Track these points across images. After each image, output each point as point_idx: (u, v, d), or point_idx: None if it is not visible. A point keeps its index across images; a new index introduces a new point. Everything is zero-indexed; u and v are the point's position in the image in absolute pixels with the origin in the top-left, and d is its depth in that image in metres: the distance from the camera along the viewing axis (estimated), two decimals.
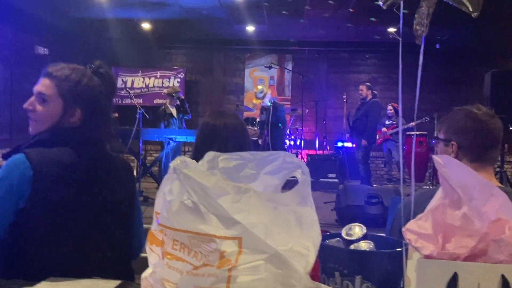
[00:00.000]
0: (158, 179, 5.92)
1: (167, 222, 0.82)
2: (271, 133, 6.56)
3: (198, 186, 0.77)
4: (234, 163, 1.04)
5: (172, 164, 0.81)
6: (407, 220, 1.30)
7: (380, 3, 0.85)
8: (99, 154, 1.40)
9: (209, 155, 1.01)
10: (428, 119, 7.74)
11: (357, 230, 1.01)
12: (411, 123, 8.06)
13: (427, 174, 7.42)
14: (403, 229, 0.80)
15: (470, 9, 0.99)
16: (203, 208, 0.77)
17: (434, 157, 0.74)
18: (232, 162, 1.04)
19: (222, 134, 1.50)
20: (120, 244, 1.40)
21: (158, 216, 0.84)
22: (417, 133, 8.38)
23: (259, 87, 7.09)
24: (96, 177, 1.36)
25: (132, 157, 9.15)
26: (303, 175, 1.01)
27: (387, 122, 8.44)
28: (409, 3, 1.02)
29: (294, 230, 0.83)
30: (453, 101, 8.94)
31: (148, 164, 6.05)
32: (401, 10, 0.94)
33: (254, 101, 7.16)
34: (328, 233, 1.07)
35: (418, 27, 0.83)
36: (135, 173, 8.61)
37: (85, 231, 1.32)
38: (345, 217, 4.49)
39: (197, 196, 0.77)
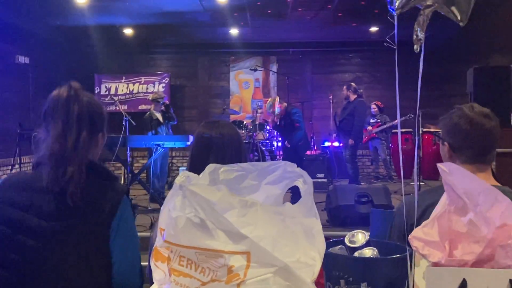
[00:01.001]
0: (146, 186, 5.88)
1: (173, 239, 0.81)
2: (292, 137, 6.59)
3: (205, 202, 0.76)
4: (235, 174, 1.04)
5: (177, 181, 0.81)
6: (408, 225, 1.31)
7: (393, 11, 0.86)
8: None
9: (210, 167, 1.01)
10: (412, 116, 7.85)
11: (360, 237, 1.02)
12: (395, 121, 8.17)
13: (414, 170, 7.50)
14: (410, 236, 0.80)
15: (459, 18, 1.01)
16: (210, 224, 0.77)
17: (439, 165, 0.75)
18: (233, 174, 1.04)
19: (218, 145, 1.49)
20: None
21: (163, 232, 0.83)
22: (403, 130, 8.51)
23: (269, 100, 7.13)
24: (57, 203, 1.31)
25: (119, 165, 9.16)
26: (305, 184, 1.01)
27: (371, 121, 8.52)
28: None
29: (301, 241, 0.83)
30: (437, 98, 9.10)
31: (136, 171, 5.99)
32: (395, 19, 0.95)
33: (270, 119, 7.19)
34: (331, 240, 1.08)
35: (417, 35, 0.84)
36: (122, 181, 8.47)
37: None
38: (336, 217, 4.50)
39: (204, 212, 0.77)
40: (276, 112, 6.74)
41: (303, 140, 6.80)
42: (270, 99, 7.37)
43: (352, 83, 7.23)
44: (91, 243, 1.30)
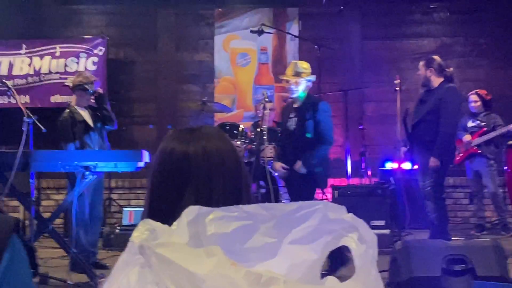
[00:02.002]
0: (64, 243, 5.87)
1: None
2: (311, 155, 6.52)
3: (184, 277, 0.76)
4: (235, 225, 1.05)
5: (135, 239, 0.80)
6: None
7: None
8: None
9: (190, 212, 1.02)
10: None
11: None
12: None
13: None
14: None
15: None
16: None
17: None
18: (231, 224, 1.05)
19: (200, 170, 1.50)
20: None
21: None
22: None
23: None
24: None
25: (16, 203, 9.16)
26: (362, 244, 1.02)
27: (470, 125, 8.51)
28: None
29: None
30: None
31: (46, 216, 6.01)
32: None
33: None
34: None
35: None
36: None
37: None
38: None
39: None
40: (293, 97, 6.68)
41: (325, 161, 6.79)
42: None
43: (436, 57, 7.25)
44: None
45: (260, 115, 7.99)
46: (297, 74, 6.53)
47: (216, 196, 1.45)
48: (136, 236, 0.84)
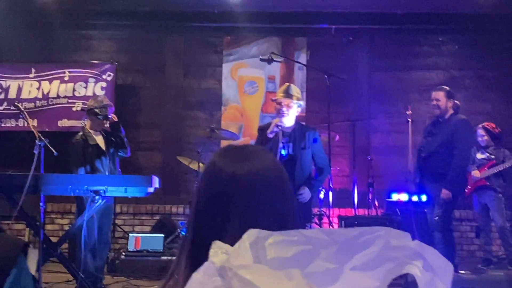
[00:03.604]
0: (72, 267, 5.85)
1: None
2: (312, 183, 6.46)
3: None
4: (295, 250, 1.04)
5: (215, 259, 0.79)
6: None
7: None
8: None
9: (251, 234, 1.01)
10: None
11: None
12: None
13: None
14: None
15: None
16: None
17: None
18: (290, 249, 1.04)
19: (246, 192, 1.47)
20: None
21: None
22: None
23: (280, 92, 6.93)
24: None
25: (20, 226, 9.14)
26: (427, 271, 1.01)
27: (479, 156, 8.49)
28: None
29: None
30: None
31: (53, 239, 5.98)
32: None
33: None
34: None
35: None
36: (31, 257, 8.56)
37: None
38: None
39: None
40: (283, 121, 6.49)
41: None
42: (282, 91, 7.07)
43: (448, 88, 7.31)
44: None
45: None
46: (289, 96, 6.39)
47: (261, 220, 1.42)
48: (215, 257, 0.83)
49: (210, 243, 0.98)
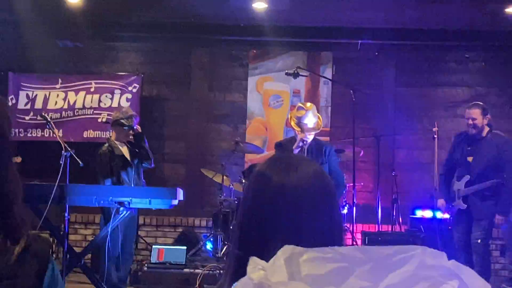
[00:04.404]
0: (96, 279, 5.87)
1: None
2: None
3: None
4: (330, 267, 1.04)
5: (253, 276, 0.79)
6: None
7: None
8: None
9: (286, 250, 1.01)
10: None
11: None
12: None
13: None
14: None
15: None
16: None
17: None
18: (325, 266, 1.03)
19: (292, 204, 1.45)
20: None
21: None
22: None
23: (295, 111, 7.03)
24: None
25: (46, 236, 9.17)
26: None
27: None
28: None
29: None
30: None
31: (77, 250, 6.00)
32: None
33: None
34: None
35: None
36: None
37: None
38: None
39: None
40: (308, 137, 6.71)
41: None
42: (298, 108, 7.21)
43: (482, 104, 7.23)
44: None
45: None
46: (317, 127, 6.78)
47: (304, 236, 1.40)
48: (253, 273, 0.83)
49: (255, 254, 0.98)
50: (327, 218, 1.45)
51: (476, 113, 7.02)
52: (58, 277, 1.71)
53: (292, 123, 6.72)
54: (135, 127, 6.71)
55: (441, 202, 7.42)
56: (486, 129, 7.02)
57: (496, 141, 6.97)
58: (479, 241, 6.89)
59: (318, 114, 7.04)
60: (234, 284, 0.88)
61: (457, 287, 0.98)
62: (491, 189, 6.87)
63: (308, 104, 7.16)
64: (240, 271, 1.07)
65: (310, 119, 6.66)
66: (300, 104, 7.07)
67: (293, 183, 1.42)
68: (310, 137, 6.55)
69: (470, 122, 7.04)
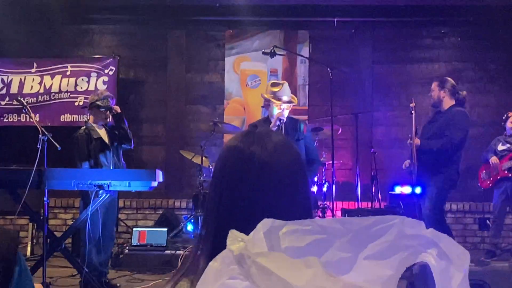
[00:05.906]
0: (76, 262, 5.86)
1: None
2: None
3: (284, 287, 0.75)
4: (309, 239, 1.03)
5: (233, 247, 0.79)
6: None
7: None
8: None
9: (265, 224, 1.00)
10: None
11: None
12: None
13: None
14: None
15: None
16: None
17: None
18: (304, 238, 1.03)
19: (269, 174, 1.43)
20: None
21: None
22: None
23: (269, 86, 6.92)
24: None
25: (23, 221, 9.16)
26: (441, 260, 1.00)
27: (500, 148, 8.29)
28: None
29: None
30: None
31: (57, 233, 5.99)
32: None
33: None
34: None
35: None
36: (26, 251, 8.61)
37: None
38: None
39: None
40: (284, 114, 6.62)
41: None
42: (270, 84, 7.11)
43: (449, 79, 7.26)
44: None
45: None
46: (290, 102, 6.63)
47: (284, 205, 1.38)
48: (233, 245, 0.83)
49: (225, 233, 0.98)
50: (303, 194, 1.45)
51: (433, 85, 7.23)
52: (27, 274, 1.65)
53: (268, 96, 6.65)
54: (112, 107, 6.66)
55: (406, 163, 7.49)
56: (448, 103, 7.04)
57: (451, 113, 6.98)
58: (427, 211, 6.94)
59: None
60: (214, 259, 0.88)
61: (436, 255, 0.98)
62: (433, 158, 6.91)
63: (281, 80, 7.22)
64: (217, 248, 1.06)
65: (286, 92, 6.64)
66: (273, 81, 7.05)
67: (265, 153, 1.41)
68: (286, 113, 6.51)
69: (431, 94, 7.26)
